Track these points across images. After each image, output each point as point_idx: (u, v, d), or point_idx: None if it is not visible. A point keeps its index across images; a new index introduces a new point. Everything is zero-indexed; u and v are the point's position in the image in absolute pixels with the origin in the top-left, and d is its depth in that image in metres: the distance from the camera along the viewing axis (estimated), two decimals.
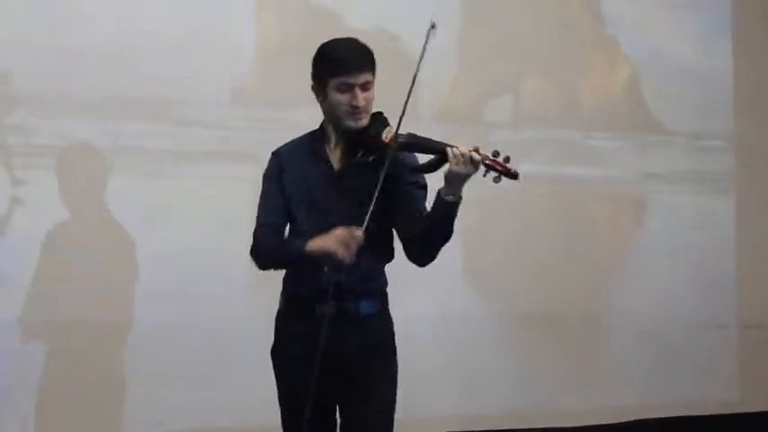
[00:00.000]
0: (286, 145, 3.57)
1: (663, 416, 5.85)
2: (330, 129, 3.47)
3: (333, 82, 3.36)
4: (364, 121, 3.39)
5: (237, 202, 4.36)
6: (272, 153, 3.56)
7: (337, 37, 3.48)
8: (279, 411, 3.55)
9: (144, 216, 4.75)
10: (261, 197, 3.54)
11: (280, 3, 5.02)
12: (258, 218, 3.51)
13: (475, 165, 3.27)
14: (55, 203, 4.66)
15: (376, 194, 3.27)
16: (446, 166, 3.29)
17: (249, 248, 3.49)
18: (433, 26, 3.27)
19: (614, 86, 5.98)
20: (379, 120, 3.41)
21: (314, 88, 3.44)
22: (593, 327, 5.83)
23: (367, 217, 3.27)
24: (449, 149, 3.28)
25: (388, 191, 3.35)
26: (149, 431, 4.79)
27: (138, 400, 4.78)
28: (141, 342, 4.68)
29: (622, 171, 5.91)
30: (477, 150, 3.26)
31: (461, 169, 3.26)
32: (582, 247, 5.80)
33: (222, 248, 4.61)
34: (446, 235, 3.41)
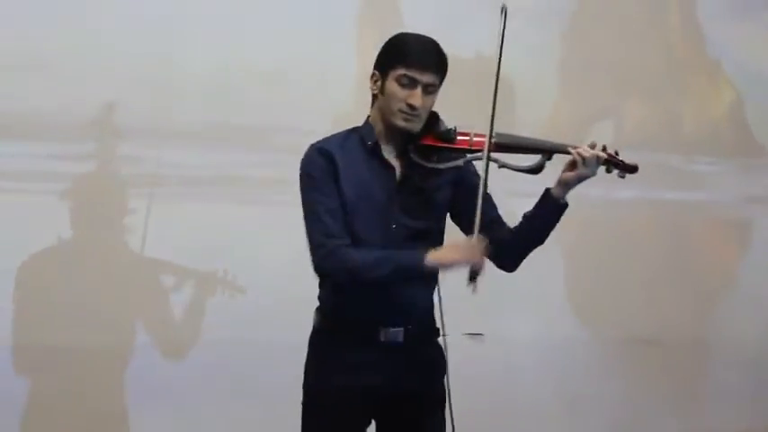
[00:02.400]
0: (330, 142, 3.19)
1: None
2: (380, 128, 3.18)
3: (395, 72, 3.08)
4: (416, 126, 3.11)
5: None
6: (316, 149, 3.16)
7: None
8: None
9: (246, 240, 4.75)
10: (313, 201, 3.13)
11: (380, 31, 4.99)
12: (325, 228, 3.09)
13: (599, 165, 3.08)
14: (160, 230, 4.68)
15: (479, 204, 3.04)
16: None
17: (317, 260, 3.10)
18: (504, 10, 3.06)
19: (717, 110, 5.93)
20: (441, 122, 3.17)
21: (373, 77, 3.15)
22: (697, 352, 5.78)
23: (476, 223, 3.04)
24: (574, 151, 3.08)
25: (462, 197, 3.19)
26: None
27: None
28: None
29: (725, 195, 5.86)
30: (595, 148, 3.09)
31: (587, 171, 3.07)
32: (685, 271, 5.75)
33: None
34: (545, 239, 3.22)
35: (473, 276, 3.01)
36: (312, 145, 3.17)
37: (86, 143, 4.62)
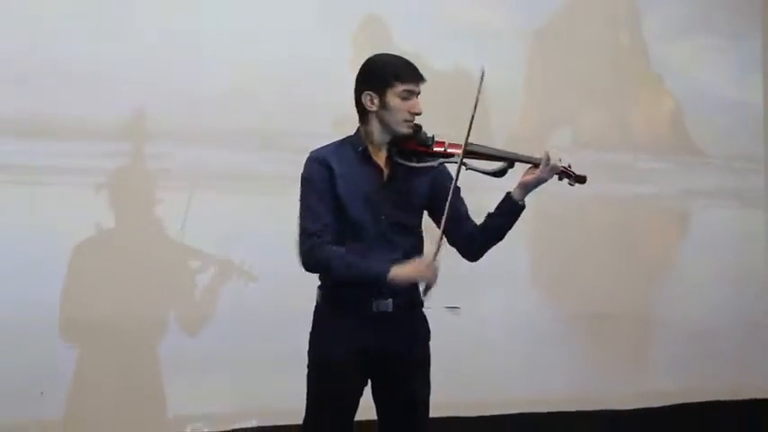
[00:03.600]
0: (324, 151, 3.42)
1: (702, 400, 6.12)
2: (374, 135, 3.41)
3: (397, 89, 3.34)
4: (411, 130, 3.37)
5: None
6: (313, 158, 3.40)
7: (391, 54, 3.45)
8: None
9: (257, 228, 4.99)
10: (307, 199, 3.36)
11: (372, 47, 4.67)
12: (308, 223, 3.33)
13: (555, 172, 3.34)
14: (181, 218, 4.90)
15: (450, 197, 3.29)
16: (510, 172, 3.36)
17: (301, 254, 3.35)
18: (482, 74, 3.28)
19: (659, 117, 6.29)
20: (423, 131, 3.41)
21: (365, 96, 3.37)
22: (643, 325, 6.12)
23: (443, 221, 3.28)
24: (545, 153, 3.35)
25: (438, 195, 3.40)
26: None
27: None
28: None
29: (667, 189, 6.23)
30: (551, 158, 3.34)
31: (545, 175, 3.33)
32: (633, 255, 6.06)
33: None
34: (504, 236, 3.47)
35: (426, 290, 3.34)
36: (310, 153, 3.44)
37: (120, 143, 4.88)
